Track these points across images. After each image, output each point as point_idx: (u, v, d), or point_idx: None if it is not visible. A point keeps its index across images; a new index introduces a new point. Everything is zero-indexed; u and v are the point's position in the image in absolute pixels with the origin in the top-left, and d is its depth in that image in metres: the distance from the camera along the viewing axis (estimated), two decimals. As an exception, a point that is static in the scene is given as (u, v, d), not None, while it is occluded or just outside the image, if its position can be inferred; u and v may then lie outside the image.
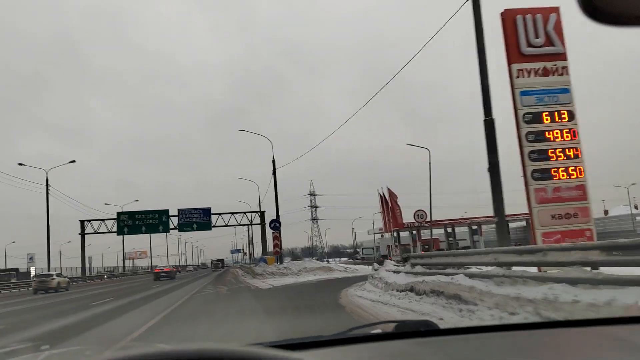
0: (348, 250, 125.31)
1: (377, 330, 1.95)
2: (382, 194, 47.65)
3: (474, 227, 66.42)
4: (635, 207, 73.19)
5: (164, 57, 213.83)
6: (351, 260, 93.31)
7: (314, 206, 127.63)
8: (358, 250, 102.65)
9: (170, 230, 55.87)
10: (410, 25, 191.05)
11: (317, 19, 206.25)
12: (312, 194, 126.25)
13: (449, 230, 73.53)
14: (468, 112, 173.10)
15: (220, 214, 56.63)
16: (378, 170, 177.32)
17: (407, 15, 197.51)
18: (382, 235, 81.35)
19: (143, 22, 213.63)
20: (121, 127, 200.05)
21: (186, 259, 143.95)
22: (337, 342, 1.69)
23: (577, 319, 2.47)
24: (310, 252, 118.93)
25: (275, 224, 33.35)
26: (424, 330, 1.84)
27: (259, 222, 56.47)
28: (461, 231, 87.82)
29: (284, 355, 0.85)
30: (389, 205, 46.72)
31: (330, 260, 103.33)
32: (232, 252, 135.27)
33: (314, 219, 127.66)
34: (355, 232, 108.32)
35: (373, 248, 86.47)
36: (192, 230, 56.01)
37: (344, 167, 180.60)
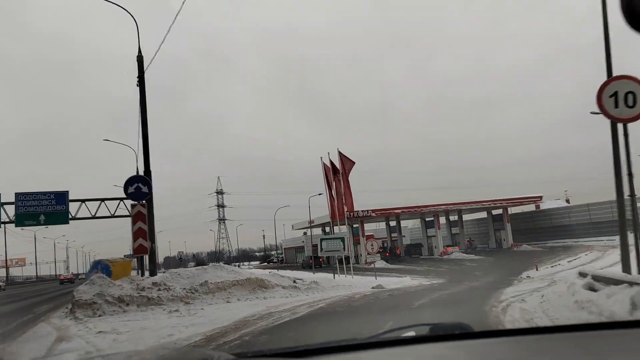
0: (257, 253, 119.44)
1: (411, 333, 1.88)
2: (328, 164, 31.39)
3: (429, 218, 52.57)
4: (567, 201, 73.24)
5: (58, 41, 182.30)
6: (265, 263, 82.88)
7: (221, 205, 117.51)
8: (272, 252, 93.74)
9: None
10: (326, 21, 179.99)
11: (227, 12, 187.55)
12: (220, 192, 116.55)
13: (393, 223, 59.63)
14: (380, 113, 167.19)
15: (83, 200, 37.26)
16: (294, 169, 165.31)
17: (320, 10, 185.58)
18: (305, 232, 66.74)
19: (39, 5, 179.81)
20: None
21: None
22: (371, 346, 1.68)
23: (617, 320, 2.38)
24: (216, 256, 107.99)
25: (139, 187, 14.86)
26: (458, 332, 1.81)
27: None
28: (410, 227, 75.43)
29: None
30: (341, 178, 30.62)
31: (240, 264, 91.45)
32: (126, 256, 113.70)
33: (222, 220, 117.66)
34: (264, 235, 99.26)
35: (302, 247, 69.61)
36: (38, 224, 35.83)
37: (255, 166, 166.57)
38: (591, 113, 33.38)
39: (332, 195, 31.19)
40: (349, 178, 31.17)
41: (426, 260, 44.01)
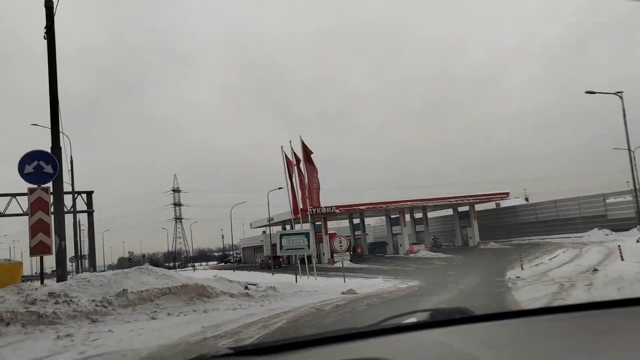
0: (216, 253, 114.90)
1: (411, 320, 1.88)
2: (290, 155, 28.40)
3: (394, 215, 50.27)
4: (526, 200, 75.25)
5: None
6: (222, 264, 79.57)
7: (177, 204, 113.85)
8: (230, 252, 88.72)
9: None
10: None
11: (187, 7, 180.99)
12: (176, 190, 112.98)
13: (356, 221, 57.05)
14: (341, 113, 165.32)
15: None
16: (255, 168, 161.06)
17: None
18: (264, 231, 63.47)
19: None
20: None
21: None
22: (371, 334, 1.64)
23: (619, 298, 1.98)
24: (172, 256, 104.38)
25: (40, 166, 10.84)
26: (459, 317, 1.80)
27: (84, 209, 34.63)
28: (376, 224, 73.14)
29: None
30: (303, 169, 27.68)
31: (195, 265, 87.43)
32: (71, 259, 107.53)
33: (178, 219, 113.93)
34: (223, 235, 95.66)
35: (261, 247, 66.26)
36: None
37: (216, 165, 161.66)
38: (586, 92, 31.46)
39: (294, 189, 28.15)
40: (314, 171, 28.22)
41: (392, 259, 41.60)
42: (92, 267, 36.45)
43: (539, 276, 17.49)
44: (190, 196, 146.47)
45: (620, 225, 39.18)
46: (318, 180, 28.51)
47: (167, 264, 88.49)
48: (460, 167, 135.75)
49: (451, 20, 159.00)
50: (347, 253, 19.58)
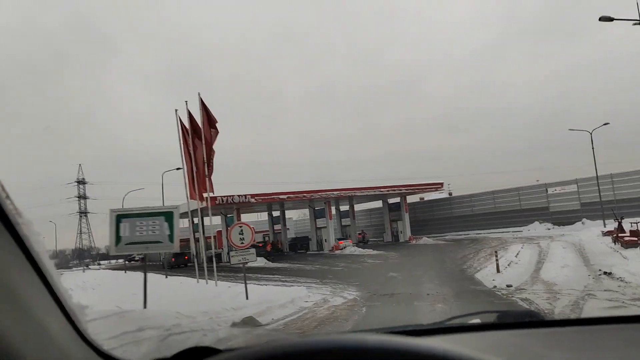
0: None
1: (477, 320, 1.80)
2: (186, 122, 21.42)
3: (318, 207, 44.46)
4: (450, 194, 73.79)
5: None
6: (127, 262, 70.49)
7: (82, 197, 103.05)
8: None
9: None
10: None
11: None
12: (81, 182, 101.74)
13: (277, 213, 50.66)
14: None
15: None
16: (173, 158, 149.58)
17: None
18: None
19: None
20: None
21: None
22: (437, 331, 1.64)
23: None
24: (76, 254, 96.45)
25: None
26: (527, 321, 1.74)
27: None
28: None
29: (414, 342, 0.75)
30: (202, 139, 20.78)
31: (102, 262, 79.12)
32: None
33: (83, 213, 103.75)
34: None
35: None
36: None
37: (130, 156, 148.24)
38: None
39: (192, 165, 21.22)
40: (214, 144, 21.28)
41: (315, 257, 35.82)
42: None
43: (532, 283, 12.16)
44: (97, 188, 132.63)
45: (564, 219, 36.12)
46: (207, 155, 21.17)
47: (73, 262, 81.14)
48: (382, 159, 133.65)
49: (382, 16, 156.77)
50: (252, 251, 12.91)
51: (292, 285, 16.43)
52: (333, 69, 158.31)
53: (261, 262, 34.08)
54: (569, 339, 1.56)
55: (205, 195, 21.22)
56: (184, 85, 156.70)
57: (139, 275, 30.69)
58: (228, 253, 40.18)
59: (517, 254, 20.04)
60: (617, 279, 11.74)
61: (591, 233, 26.94)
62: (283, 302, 11.16)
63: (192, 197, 21.70)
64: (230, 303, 10.90)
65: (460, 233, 43.89)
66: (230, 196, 35.73)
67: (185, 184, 21.97)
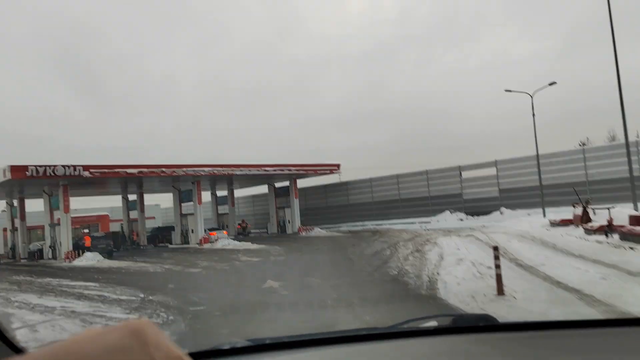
0: None
1: (433, 323, 1.74)
2: None
3: (186, 189, 34.91)
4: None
5: None
6: None
7: None
8: None
9: None
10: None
11: None
12: None
13: (133, 197, 40.12)
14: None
15: None
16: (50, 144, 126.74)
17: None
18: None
19: None
20: None
21: None
22: (391, 336, 1.60)
23: None
24: None
25: None
26: (483, 325, 1.71)
27: None
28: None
29: None
30: None
31: None
32: None
33: None
34: None
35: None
36: None
37: None
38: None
39: None
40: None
41: (175, 252, 26.80)
42: None
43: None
44: None
45: (479, 208, 30.81)
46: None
47: None
48: (278, 157, 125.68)
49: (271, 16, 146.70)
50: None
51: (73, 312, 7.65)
52: (230, 57, 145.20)
53: (92, 259, 24.20)
54: (525, 344, 1.53)
55: None
56: (67, 66, 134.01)
57: None
58: (53, 247, 29.40)
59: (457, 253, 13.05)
60: None
61: (530, 224, 21.22)
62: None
63: None
64: None
65: (357, 224, 37.22)
66: (51, 166, 25.17)
67: None
